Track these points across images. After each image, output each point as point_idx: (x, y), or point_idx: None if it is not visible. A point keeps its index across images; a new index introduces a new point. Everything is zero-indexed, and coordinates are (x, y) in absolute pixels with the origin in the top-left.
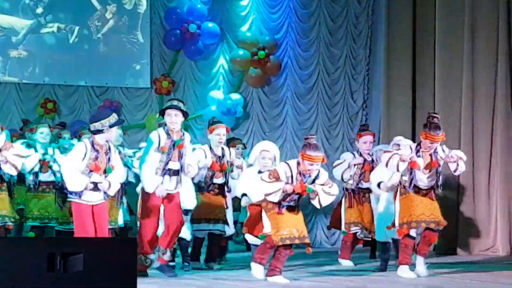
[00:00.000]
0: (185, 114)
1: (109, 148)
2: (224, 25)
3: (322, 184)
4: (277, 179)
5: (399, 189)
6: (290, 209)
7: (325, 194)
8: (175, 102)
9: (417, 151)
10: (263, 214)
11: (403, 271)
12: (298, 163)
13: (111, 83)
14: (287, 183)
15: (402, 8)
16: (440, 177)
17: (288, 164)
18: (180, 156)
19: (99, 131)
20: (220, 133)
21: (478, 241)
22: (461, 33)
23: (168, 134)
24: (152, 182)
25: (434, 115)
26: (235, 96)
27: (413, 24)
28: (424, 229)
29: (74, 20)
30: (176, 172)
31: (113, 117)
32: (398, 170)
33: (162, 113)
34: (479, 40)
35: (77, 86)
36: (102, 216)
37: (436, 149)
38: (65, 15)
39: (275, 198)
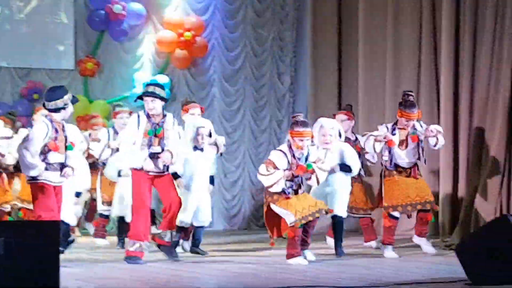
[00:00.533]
0: (163, 99)
1: (63, 126)
2: (149, 6)
3: (315, 162)
4: (275, 168)
5: (382, 170)
6: (295, 192)
7: (320, 171)
8: (150, 89)
9: (393, 130)
10: (275, 209)
11: (387, 251)
12: (289, 147)
13: (34, 65)
14: (285, 169)
15: None
16: (423, 152)
17: (281, 150)
18: (161, 141)
19: (59, 109)
20: (194, 112)
21: None
22: (385, 13)
23: (148, 117)
24: (138, 157)
25: (409, 93)
26: (162, 77)
27: (338, 6)
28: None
29: None
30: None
31: (70, 94)
32: (375, 151)
33: (140, 97)
34: (403, 19)
35: None
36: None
37: (414, 126)
38: None
39: (278, 188)
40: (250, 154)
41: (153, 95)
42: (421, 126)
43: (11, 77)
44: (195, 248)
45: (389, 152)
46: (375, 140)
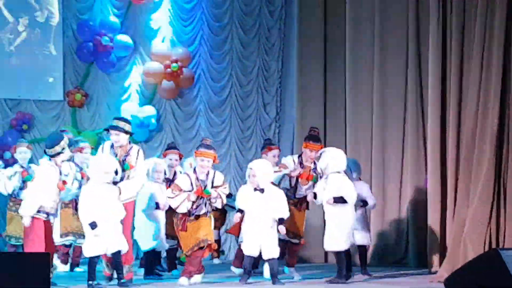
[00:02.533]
0: (127, 133)
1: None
2: (137, 37)
3: (219, 186)
4: (180, 191)
5: None
6: (198, 217)
7: (223, 195)
8: (114, 122)
9: (300, 163)
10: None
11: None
12: (194, 170)
13: (23, 96)
14: (189, 191)
15: (314, 20)
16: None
17: (186, 173)
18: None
19: (59, 154)
20: (172, 158)
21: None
22: (371, 43)
23: (112, 147)
24: None
25: (314, 129)
26: (149, 108)
27: (324, 36)
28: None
29: None
30: None
31: (67, 138)
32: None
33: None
34: (389, 50)
35: None
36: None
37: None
38: None
39: (184, 209)
40: (236, 184)
41: (117, 129)
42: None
43: (0, 108)
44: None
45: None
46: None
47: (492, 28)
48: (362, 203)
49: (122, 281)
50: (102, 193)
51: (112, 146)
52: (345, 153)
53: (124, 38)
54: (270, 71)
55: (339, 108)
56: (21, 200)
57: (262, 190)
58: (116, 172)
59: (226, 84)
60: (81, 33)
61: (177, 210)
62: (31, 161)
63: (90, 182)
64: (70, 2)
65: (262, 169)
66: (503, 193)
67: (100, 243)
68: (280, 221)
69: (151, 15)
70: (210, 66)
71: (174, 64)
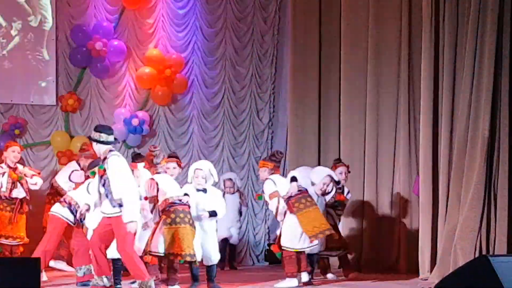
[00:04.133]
0: (103, 143)
1: None
2: (130, 43)
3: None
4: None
5: None
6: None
7: None
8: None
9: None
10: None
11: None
12: None
13: (16, 100)
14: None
15: (308, 26)
16: None
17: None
18: (103, 182)
19: None
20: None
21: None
22: (366, 49)
23: None
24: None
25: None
26: (142, 113)
27: (318, 42)
28: None
29: None
30: (105, 196)
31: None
32: None
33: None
34: (383, 56)
35: None
36: None
37: None
38: None
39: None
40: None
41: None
42: None
43: None
44: None
45: None
46: None
47: (484, 34)
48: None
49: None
50: None
51: None
52: (339, 159)
53: (118, 43)
54: (263, 77)
55: (333, 114)
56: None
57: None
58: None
59: (219, 90)
60: (74, 38)
61: None
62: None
63: None
64: (63, 6)
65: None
66: (493, 199)
67: None
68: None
69: (145, 21)
70: (203, 72)
71: (168, 70)
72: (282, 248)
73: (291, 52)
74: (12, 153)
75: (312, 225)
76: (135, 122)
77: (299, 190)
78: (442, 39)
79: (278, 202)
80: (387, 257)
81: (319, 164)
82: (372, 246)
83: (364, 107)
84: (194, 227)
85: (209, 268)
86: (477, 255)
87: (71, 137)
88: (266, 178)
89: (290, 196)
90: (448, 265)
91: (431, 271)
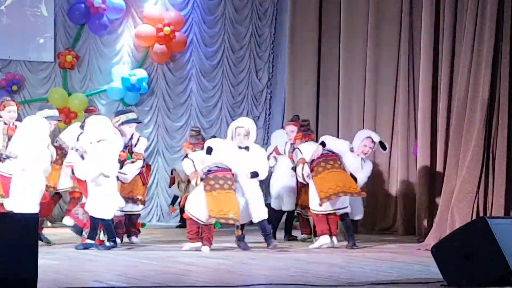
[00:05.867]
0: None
1: None
2: (129, 0)
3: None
4: None
5: None
6: None
7: None
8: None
9: None
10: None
11: None
12: None
13: (14, 56)
14: None
15: None
16: None
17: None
18: None
19: None
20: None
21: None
22: (366, 6)
23: None
24: None
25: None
26: (140, 71)
27: (319, 2)
28: None
29: None
30: None
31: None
32: None
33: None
34: (384, 14)
35: None
36: None
37: None
38: None
39: None
40: None
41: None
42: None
43: None
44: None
45: None
46: None
47: None
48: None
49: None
50: None
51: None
52: (338, 120)
53: (117, 0)
54: (262, 37)
55: (332, 75)
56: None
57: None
58: None
59: (218, 49)
60: None
61: None
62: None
63: None
64: None
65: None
66: (491, 163)
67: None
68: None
69: None
70: (202, 30)
71: (166, 28)
72: (312, 210)
73: (290, 12)
74: (8, 114)
75: (327, 186)
76: (133, 80)
77: (321, 154)
78: (442, 0)
79: (302, 168)
80: (384, 219)
81: (316, 126)
82: (369, 209)
83: (364, 68)
84: (235, 191)
85: (261, 225)
86: (474, 217)
87: (69, 94)
88: (295, 148)
89: (313, 160)
90: (445, 228)
91: (427, 233)
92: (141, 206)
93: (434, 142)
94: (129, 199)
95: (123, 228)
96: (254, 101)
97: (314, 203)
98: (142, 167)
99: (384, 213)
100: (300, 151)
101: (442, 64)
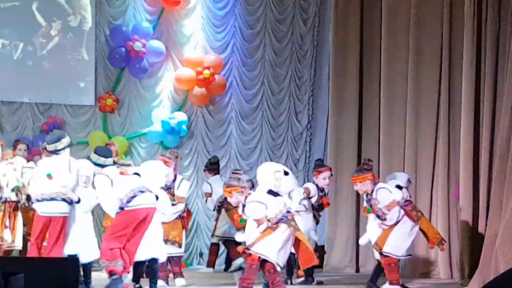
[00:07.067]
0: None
1: None
2: (169, 43)
3: None
4: None
5: None
6: None
7: None
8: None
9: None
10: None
11: None
12: None
13: (55, 100)
14: None
15: (348, 29)
16: None
17: None
18: None
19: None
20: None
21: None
22: (406, 53)
23: None
24: None
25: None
26: (179, 114)
27: (360, 45)
28: None
29: (18, 36)
30: None
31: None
32: None
33: None
34: (423, 60)
35: (20, 102)
36: None
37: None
38: (9, 31)
39: None
40: None
41: None
42: None
43: (32, 112)
44: None
45: None
46: None
47: None
48: None
49: None
50: None
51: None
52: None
53: (157, 43)
54: (302, 79)
55: (373, 117)
56: None
57: None
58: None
59: (257, 91)
60: (113, 38)
61: None
62: None
63: None
64: (103, 7)
65: None
66: None
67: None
68: None
69: (184, 21)
70: (242, 73)
71: (206, 71)
72: (385, 254)
73: (332, 55)
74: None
75: (435, 231)
76: (173, 123)
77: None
78: (484, 41)
79: (399, 211)
80: (426, 262)
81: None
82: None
83: (405, 110)
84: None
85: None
86: None
87: (109, 137)
88: (379, 188)
89: (406, 201)
90: (489, 272)
91: (471, 277)
92: (182, 249)
93: (476, 185)
94: (168, 241)
95: (166, 271)
96: (294, 143)
97: (396, 247)
98: (183, 211)
99: (426, 257)
100: (388, 189)
101: (483, 106)
